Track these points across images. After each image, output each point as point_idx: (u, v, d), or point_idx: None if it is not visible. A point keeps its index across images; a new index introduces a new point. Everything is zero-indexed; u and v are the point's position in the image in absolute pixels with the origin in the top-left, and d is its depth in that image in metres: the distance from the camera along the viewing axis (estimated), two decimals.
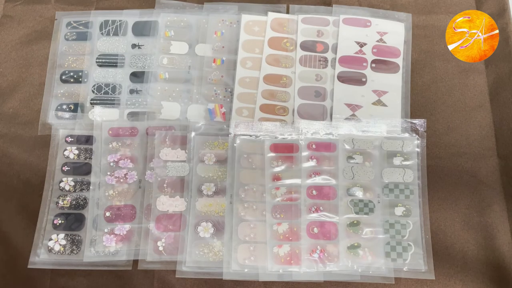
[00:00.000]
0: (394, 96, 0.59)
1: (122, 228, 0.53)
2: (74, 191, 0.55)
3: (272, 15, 0.62)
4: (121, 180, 0.55)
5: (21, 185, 0.56)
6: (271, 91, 0.59)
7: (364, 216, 0.53)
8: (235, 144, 0.55)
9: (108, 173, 0.55)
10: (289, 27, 0.61)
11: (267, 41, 0.61)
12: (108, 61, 0.60)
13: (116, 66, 0.60)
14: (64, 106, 0.58)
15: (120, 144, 0.56)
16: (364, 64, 0.60)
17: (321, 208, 0.53)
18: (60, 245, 0.53)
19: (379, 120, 0.56)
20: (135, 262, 0.53)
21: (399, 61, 0.60)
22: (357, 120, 0.57)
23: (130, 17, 0.62)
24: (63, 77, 0.60)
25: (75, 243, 0.53)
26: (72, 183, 0.55)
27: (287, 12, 0.63)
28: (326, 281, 0.52)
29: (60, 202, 0.54)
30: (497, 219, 0.55)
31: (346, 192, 0.54)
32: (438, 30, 0.62)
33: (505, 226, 0.54)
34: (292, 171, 0.55)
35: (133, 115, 0.58)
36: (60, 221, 0.54)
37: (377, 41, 0.61)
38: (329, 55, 0.60)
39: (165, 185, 0.54)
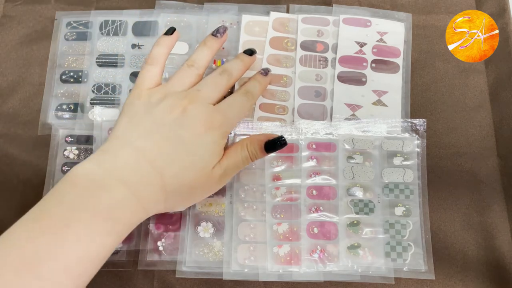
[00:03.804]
0: (394, 96, 0.59)
1: None
2: None
3: (274, 15, 0.62)
4: None
5: (21, 185, 0.56)
6: (272, 90, 0.59)
7: (364, 216, 0.53)
8: None
9: None
10: (291, 27, 0.61)
11: (268, 41, 0.61)
12: (108, 61, 0.60)
13: (116, 66, 0.60)
14: (64, 106, 0.58)
15: None
16: (364, 64, 0.60)
17: (321, 208, 0.53)
18: None
19: (379, 120, 0.56)
20: (135, 262, 0.53)
21: (399, 61, 0.60)
22: (357, 120, 0.57)
23: (130, 17, 0.62)
24: (63, 77, 0.60)
25: None
26: None
27: (287, 12, 0.63)
28: (326, 281, 0.52)
29: None
30: (497, 219, 0.55)
31: (346, 192, 0.54)
32: (438, 30, 0.62)
33: (505, 226, 0.54)
34: (292, 171, 0.55)
35: None
36: None
37: (377, 41, 0.61)
38: (329, 55, 0.60)
39: None
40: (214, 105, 0.49)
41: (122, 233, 0.42)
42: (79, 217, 0.39)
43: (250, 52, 0.55)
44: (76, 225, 0.38)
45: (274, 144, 0.49)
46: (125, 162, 0.43)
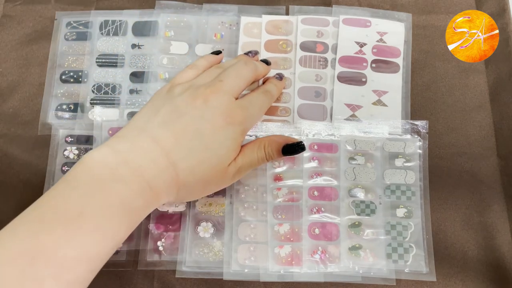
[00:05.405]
0: (394, 96, 0.59)
1: None
2: None
3: (266, 18, 0.62)
4: None
5: (21, 185, 0.56)
6: None
7: (366, 217, 0.53)
8: None
9: None
10: (284, 29, 0.61)
11: (263, 45, 0.60)
12: (108, 61, 0.60)
13: (116, 66, 0.60)
14: (64, 106, 0.58)
15: None
16: (364, 64, 0.60)
17: (322, 209, 0.53)
18: None
19: (381, 121, 0.57)
20: (135, 262, 0.53)
21: (399, 61, 0.60)
22: (359, 121, 0.57)
23: (130, 17, 0.62)
24: (63, 77, 0.59)
25: None
26: None
27: (287, 13, 0.62)
28: (327, 282, 0.52)
29: None
30: (497, 219, 0.55)
31: (348, 193, 0.54)
32: (438, 30, 0.62)
33: (505, 226, 0.55)
34: (293, 172, 0.55)
35: (133, 115, 0.58)
36: None
37: (377, 41, 0.61)
38: (329, 55, 0.60)
39: None
40: (236, 99, 0.48)
41: (134, 220, 0.42)
42: (93, 204, 0.39)
43: (266, 62, 0.55)
44: (90, 212, 0.38)
45: (293, 148, 0.49)
46: (141, 151, 0.43)
